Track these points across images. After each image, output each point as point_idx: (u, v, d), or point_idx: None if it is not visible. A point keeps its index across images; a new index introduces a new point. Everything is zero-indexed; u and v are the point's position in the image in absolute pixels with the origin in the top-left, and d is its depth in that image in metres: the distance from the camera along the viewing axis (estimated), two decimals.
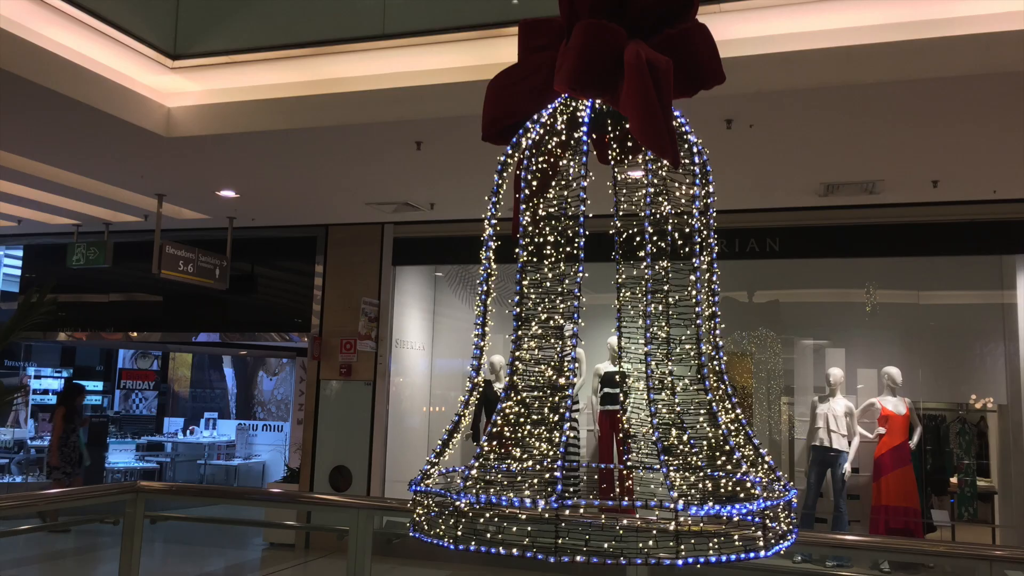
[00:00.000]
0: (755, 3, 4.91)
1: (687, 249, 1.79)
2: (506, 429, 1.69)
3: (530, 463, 1.65)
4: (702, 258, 1.80)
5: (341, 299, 9.24)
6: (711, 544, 1.53)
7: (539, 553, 1.48)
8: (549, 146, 1.80)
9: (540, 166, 1.78)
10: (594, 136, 1.91)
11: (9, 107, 5.59)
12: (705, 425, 1.69)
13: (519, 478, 1.64)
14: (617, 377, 1.96)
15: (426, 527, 1.65)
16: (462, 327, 10.35)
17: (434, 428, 10.15)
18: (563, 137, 1.79)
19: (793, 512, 1.68)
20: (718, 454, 1.67)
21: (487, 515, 1.54)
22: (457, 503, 1.55)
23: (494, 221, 1.87)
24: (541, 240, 1.76)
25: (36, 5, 5.17)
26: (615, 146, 1.92)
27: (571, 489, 1.52)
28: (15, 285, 11.54)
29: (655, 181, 1.77)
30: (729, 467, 1.65)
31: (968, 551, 3.95)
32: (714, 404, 1.69)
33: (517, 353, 1.72)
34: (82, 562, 9.05)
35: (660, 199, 1.81)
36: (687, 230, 1.79)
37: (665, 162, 1.72)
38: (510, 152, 1.90)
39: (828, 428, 8.24)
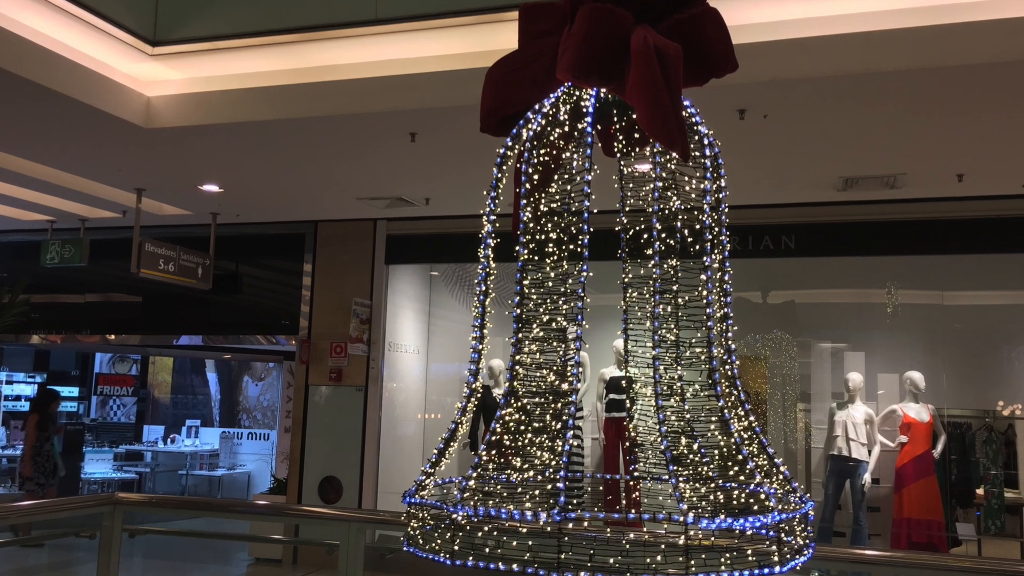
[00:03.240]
0: None
1: (697, 247, 1.79)
2: (506, 437, 1.69)
3: (531, 473, 1.65)
4: (713, 256, 1.80)
5: (331, 300, 9.25)
6: (723, 559, 1.53)
7: (540, 568, 1.48)
8: (551, 138, 1.80)
9: (542, 159, 1.79)
10: (599, 127, 1.91)
11: None
12: (716, 433, 1.69)
13: (519, 489, 1.64)
14: (623, 382, 1.96)
15: (421, 541, 1.65)
16: (459, 329, 10.34)
17: (429, 436, 10.15)
18: (566, 128, 1.80)
19: (810, 525, 1.68)
20: (730, 464, 1.67)
21: (485, 528, 1.54)
22: (454, 516, 1.55)
23: (493, 217, 1.87)
24: (543, 237, 1.77)
25: None
26: (621, 138, 1.92)
27: (574, 501, 1.52)
28: None
29: (663, 175, 1.77)
30: (742, 478, 1.65)
31: (995, 567, 3.95)
32: (726, 411, 1.69)
33: (517, 357, 1.72)
34: None
35: (669, 194, 1.81)
36: (697, 227, 1.80)
37: (674, 155, 1.72)
38: (510, 144, 1.90)
39: (847, 436, 8.24)
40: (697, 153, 1.82)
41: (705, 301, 1.75)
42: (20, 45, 5.23)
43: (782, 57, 4.86)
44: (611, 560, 1.52)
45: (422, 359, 10.27)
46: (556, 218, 1.77)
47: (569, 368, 1.68)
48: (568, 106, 1.82)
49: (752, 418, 1.77)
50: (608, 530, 1.69)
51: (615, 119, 1.89)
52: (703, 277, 1.76)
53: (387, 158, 6.81)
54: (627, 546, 1.54)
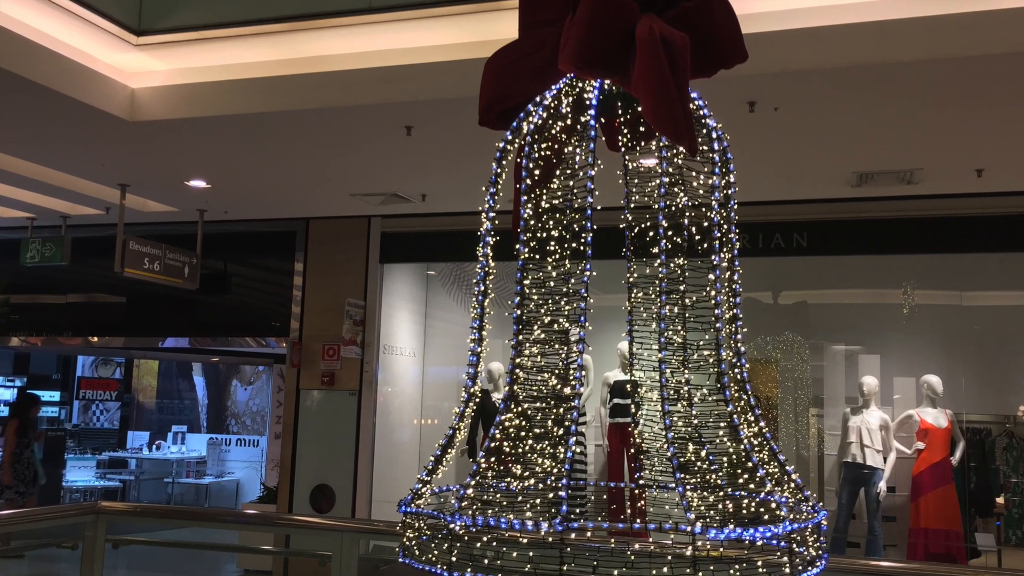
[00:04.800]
0: None
1: (705, 245, 1.79)
2: (506, 444, 1.69)
3: (532, 481, 1.65)
4: (722, 255, 1.80)
5: (323, 300, 9.24)
6: (732, 571, 1.53)
7: None
8: (553, 131, 1.80)
9: (543, 153, 1.79)
10: (603, 120, 1.91)
11: None
12: (725, 439, 1.69)
13: (520, 498, 1.64)
14: (628, 386, 1.96)
15: (417, 552, 1.65)
16: (457, 331, 10.34)
17: (426, 443, 10.15)
18: (568, 121, 1.80)
19: (822, 536, 1.68)
20: (739, 472, 1.67)
21: (484, 539, 1.54)
22: (451, 526, 1.55)
23: (492, 214, 1.87)
24: (544, 235, 1.77)
25: None
26: (626, 131, 1.92)
27: (577, 510, 1.52)
28: None
29: (670, 170, 1.77)
30: (752, 486, 1.65)
31: None
32: (735, 416, 1.69)
33: (518, 360, 1.72)
34: None
35: (676, 190, 1.81)
36: (705, 224, 1.80)
37: (681, 149, 1.72)
38: (510, 138, 1.90)
39: (861, 443, 8.24)
40: (705, 147, 1.82)
41: (713, 302, 1.75)
42: None
43: (794, 47, 4.85)
44: (615, 572, 1.52)
45: (418, 362, 10.27)
46: (558, 215, 1.77)
47: (571, 371, 1.68)
48: (571, 98, 1.82)
49: (762, 424, 1.77)
50: (612, 541, 1.69)
51: (619, 112, 1.90)
52: (711, 277, 1.77)
53: (382, 152, 6.80)
54: (632, 557, 1.54)
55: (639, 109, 1.78)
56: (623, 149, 1.96)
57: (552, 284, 1.74)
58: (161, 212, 9.08)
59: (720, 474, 1.62)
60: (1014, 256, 8.29)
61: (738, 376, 1.78)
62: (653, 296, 1.79)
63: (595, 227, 1.71)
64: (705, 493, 1.59)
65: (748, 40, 1.79)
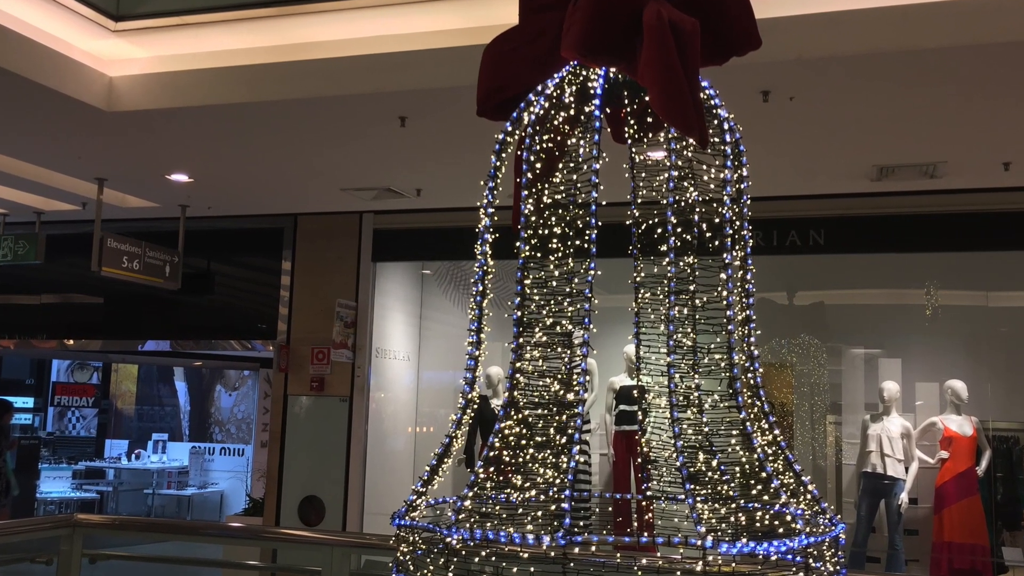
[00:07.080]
0: None
1: (717, 243, 1.79)
2: (505, 453, 1.69)
3: (533, 493, 1.65)
4: (734, 253, 1.80)
5: (312, 301, 9.25)
6: None
7: None
8: (555, 122, 1.80)
9: (545, 145, 1.79)
10: (608, 111, 1.91)
11: None
12: (738, 448, 1.69)
13: (520, 510, 1.64)
14: (635, 392, 1.96)
15: (412, 567, 1.65)
16: (454, 333, 10.34)
17: (421, 452, 10.15)
18: (572, 112, 1.80)
19: (840, 550, 1.68)
20: (753, 482, 1.67)
21: (483, 553, 1.54)
22: (448, 539, 1.56)
23: (491, 210, 1.87)
24: (546, 232, 1.77)
25: None
26: (633, 122, 1.92)
27: (581, 523, 1.52)
28: None
29: (679, 163, 1.78)
30: (766, 497, 1.65)
31: None
32: (748, 424, 1.69)
33: (518, 364, 1.72)
34: None
35: (685, 184, 1.81)
36: (717, 220, 1.80)
37: (691, 141, 1.72)
38: (510, 129, 1.90)
39: (881, 452, 8.25)
40: (716, 139, 1.82)
41: (725, 302, 1.75)
42: None
43: (810, 33, 4.86)
44: None
45: (413, 366, 10.28)
46: (561, 211, 1.77)
47: (575, 376, 1.68)
48: (574, 87, 1.82)
49: (777, 432, 1.77)
50: (618, 555, 1.69)
51: (626, 102, 1.90)
52: (723, 276, 1.77)
53: (374, 145, 6.81)
54: (639, 573, 1.54)
55: (646, 99, 1.78)
56: (629, 141, 1.96)
57: (554, 284, 1.74)
58: (141, 208, 9.09)
59: (732, 485, 1.62)
60: None
61: (751, 381, 1.78)
62: (661, 296, 1.80)
63: (600, 224, 1.71)
64: (716, 505, 1.59)
65: (762, 26, 1.79)
